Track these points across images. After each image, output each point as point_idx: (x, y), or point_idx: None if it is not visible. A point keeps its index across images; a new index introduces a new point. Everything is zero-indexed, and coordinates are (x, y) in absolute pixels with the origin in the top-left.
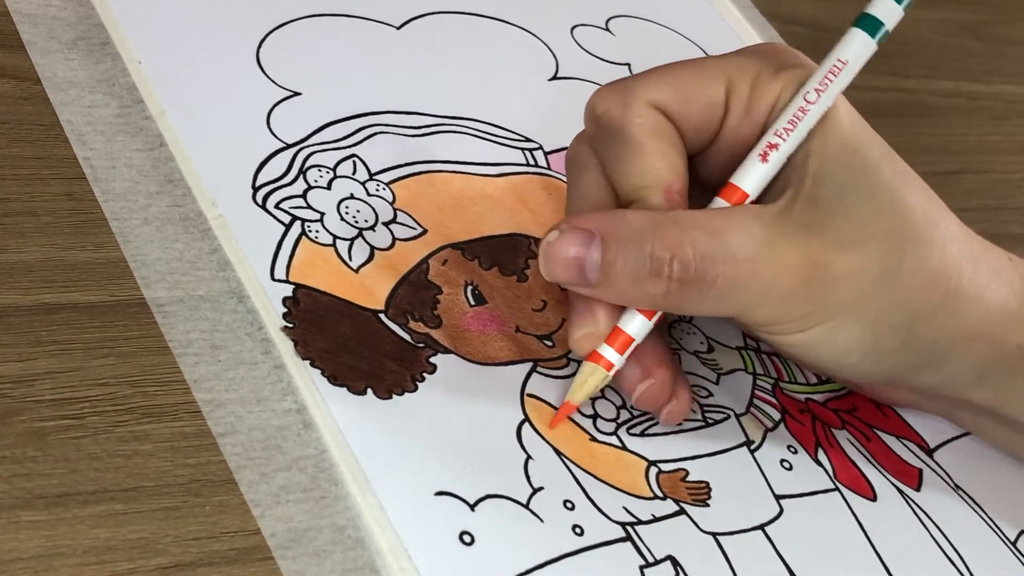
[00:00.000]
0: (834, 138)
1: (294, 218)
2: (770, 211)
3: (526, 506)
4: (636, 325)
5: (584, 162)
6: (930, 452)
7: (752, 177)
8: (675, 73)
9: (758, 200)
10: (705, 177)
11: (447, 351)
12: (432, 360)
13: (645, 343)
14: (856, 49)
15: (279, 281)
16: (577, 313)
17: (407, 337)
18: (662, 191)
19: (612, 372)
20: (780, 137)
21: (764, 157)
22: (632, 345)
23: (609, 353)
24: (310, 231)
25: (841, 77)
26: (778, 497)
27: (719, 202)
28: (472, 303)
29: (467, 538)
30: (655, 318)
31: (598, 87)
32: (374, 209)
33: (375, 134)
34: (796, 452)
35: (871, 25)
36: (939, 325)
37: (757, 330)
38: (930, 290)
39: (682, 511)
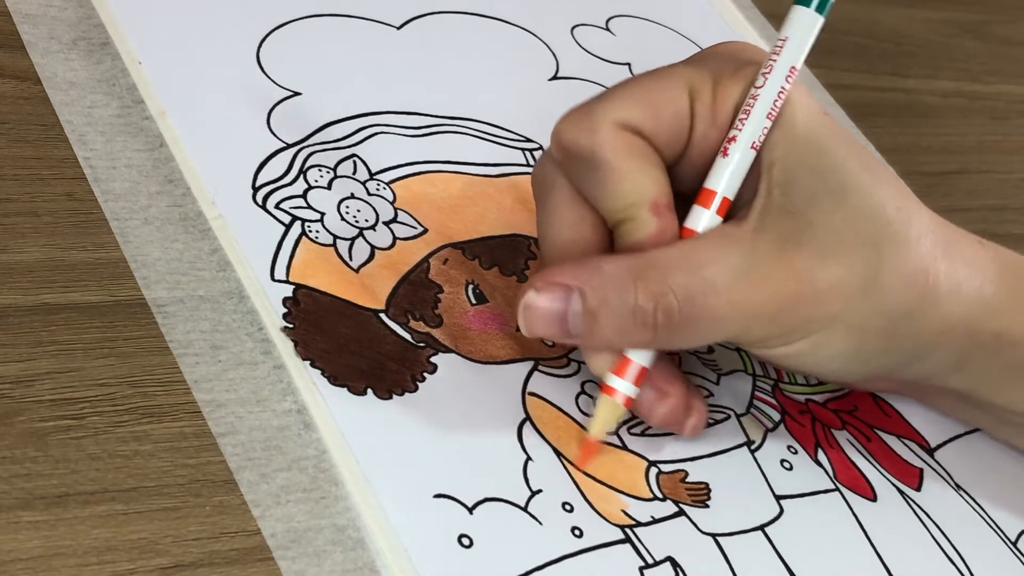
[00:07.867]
0: (796, 140)
1: (294, 218)
2: (745, 231)
3: (524, 509)
4: (643, 352)
5: (551, 183)
6: (931, 451)
7: (720, 176)
8: (638, 89)
9: (736, 200)
10: (682, 188)
11: (448, 350)
12: (432, 360)
13: (654, 363)
14: (796, 25)
15: (279, 281)
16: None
17: (408, 336)
18: (649, 208)
19: (627, 403)
20: (737, 128)
21: (724, 152)
22: (643, 372)
23: (622, 385)
24: (310, 231)
25: (785, 55)
26: (778, 497)
27: (697, 210)
28: (473, 302)
29: (466, 541)
30: None
31: (567, 112)
32: (375, 209)
33: (375, 134)
34: (796, 452)
35: None
36: (920, 322)
37: (744, 347)
38: (910, 289)
39: (681, 512)
